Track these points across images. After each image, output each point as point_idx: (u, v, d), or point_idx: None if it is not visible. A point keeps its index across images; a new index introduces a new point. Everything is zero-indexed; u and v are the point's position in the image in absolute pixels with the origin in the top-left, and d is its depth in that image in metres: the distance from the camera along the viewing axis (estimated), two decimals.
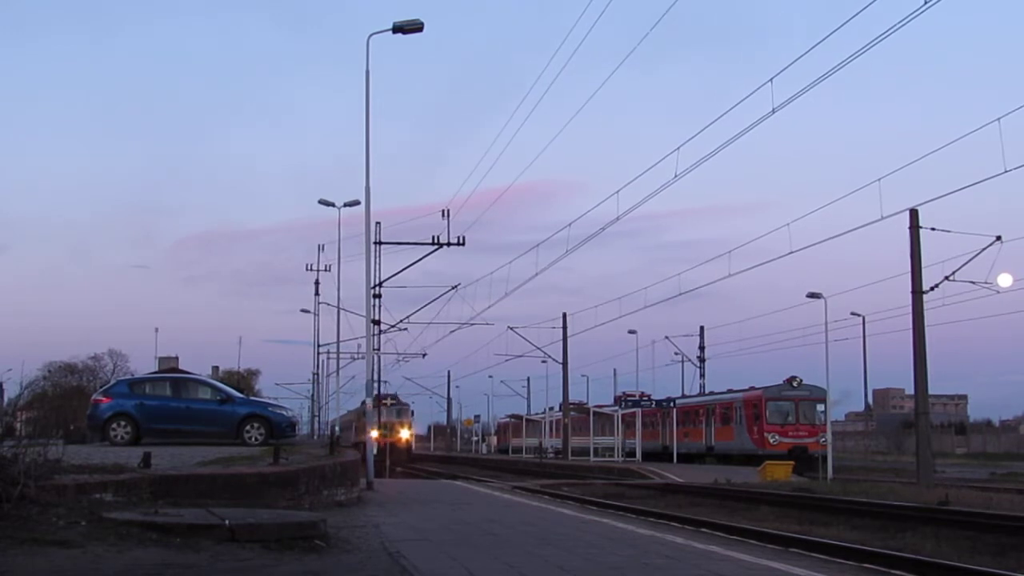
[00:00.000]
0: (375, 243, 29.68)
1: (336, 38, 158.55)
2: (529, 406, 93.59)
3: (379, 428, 51.31)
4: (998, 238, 30.54)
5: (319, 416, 60.25)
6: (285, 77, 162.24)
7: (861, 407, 77.22)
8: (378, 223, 30.67)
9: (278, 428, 22.01)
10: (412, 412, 64.37)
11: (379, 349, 43.90)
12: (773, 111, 16.89)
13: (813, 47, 16.98)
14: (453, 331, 47.49)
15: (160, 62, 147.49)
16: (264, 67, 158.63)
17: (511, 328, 58.78)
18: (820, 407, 42.72)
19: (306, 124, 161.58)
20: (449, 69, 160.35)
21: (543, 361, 64.55)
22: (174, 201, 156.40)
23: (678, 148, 19.83)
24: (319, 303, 51.85)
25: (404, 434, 59.71)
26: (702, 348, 66.15)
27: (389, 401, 59.05)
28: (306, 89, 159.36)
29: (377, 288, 32.51)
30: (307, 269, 52.40)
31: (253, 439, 21.33)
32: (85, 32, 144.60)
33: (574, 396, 62.21)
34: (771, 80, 17.05)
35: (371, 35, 21.59)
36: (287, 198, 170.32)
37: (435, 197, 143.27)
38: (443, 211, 32.61)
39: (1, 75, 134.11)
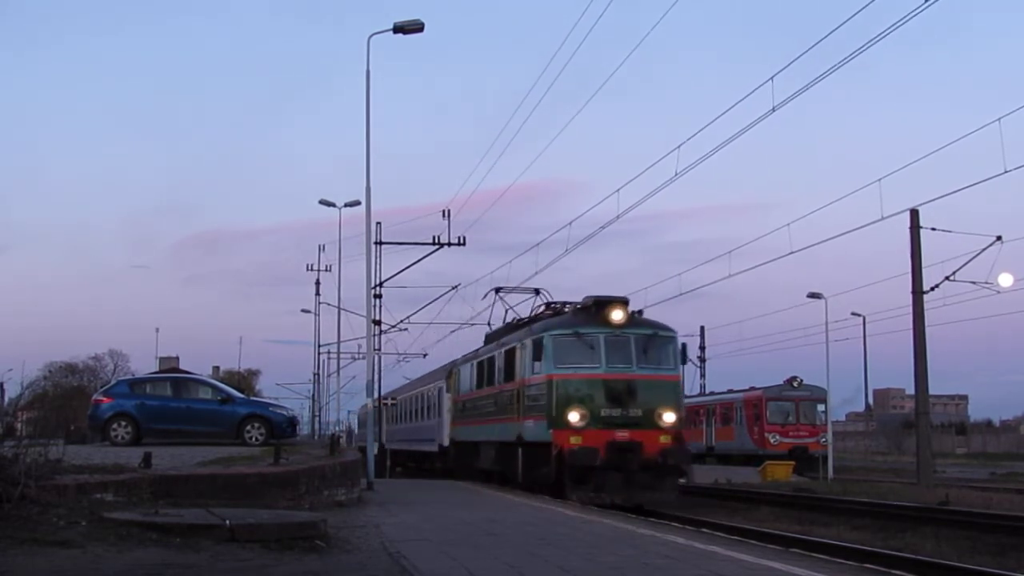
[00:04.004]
0: (376, 243, 29.59)
1: (342, 37, 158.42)
2: None
3: (580, 408, 19.68)
4: (998, 238, 30.53)
5: (320, 416, 60.02)
6: (291, 76, 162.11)
7: (861, 407, 77.21)
8: (379, 223, 30.52)
9: (278, 428, 22.04)
10: (683, 354, 22.34)
11: (380, 349, 43.76)
12: (773, 109, 16.61)
13: (813, 45, 16.93)
14: (454, 331, 46.94)
15: (163, 63, 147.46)
16: (269, 67, 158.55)
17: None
18: (820, 407, 42.73)
19: (313, 124, 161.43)
20: (451, 70, 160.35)
21: None
22: (175, 201, 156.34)
23: (679, 147, 19.46)
24: (320, 303, 51.79)
25: (668, 417, 20.37)
26: (702, 348, 66.08)
27: (621, 314, 20.61)
28: (313, 88, 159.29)
29: (377, 288, 32.40)
30: (308, 269, 52.39)
31: (253, 439, 21.35)
32: (86, 33, 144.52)
33: None
34: (771, 79, 16.76)
35: (371, 35, 21.56)
36: (288, 198, 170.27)
37: (436, 197, 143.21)
38: (444, 211, 32.36)
39: (4, 75, 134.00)
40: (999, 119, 19.31)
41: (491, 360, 24.87)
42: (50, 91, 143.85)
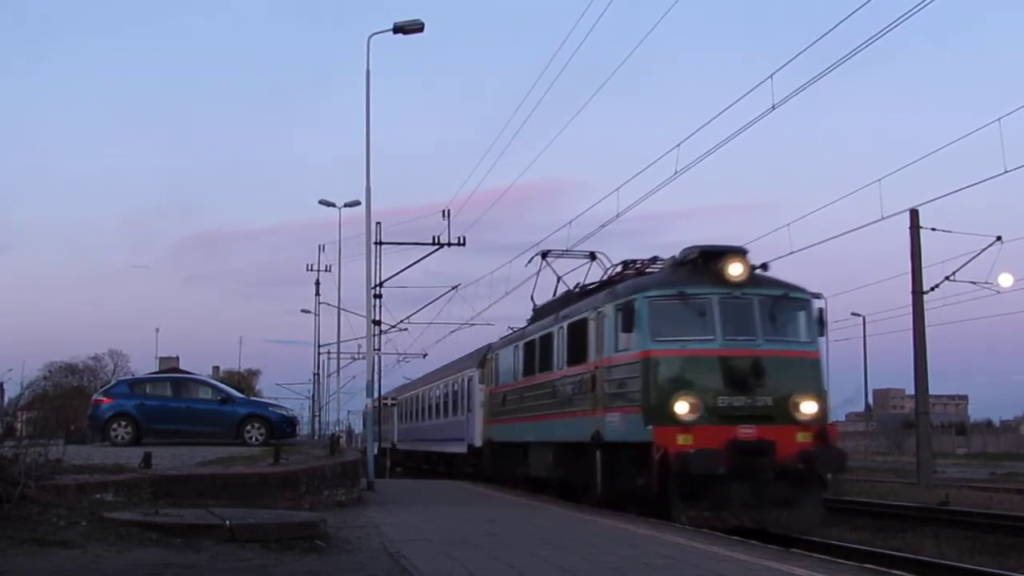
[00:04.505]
0: (376, 243, 29.56)
1: (342, 37, 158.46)
2: None
3: (690, 396, 14.80)
4: (998, 238, 30.53)
5: (320, 416, 60.05)
6: (291, 77, 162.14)
7: (861, 407, 77.20)
8: (378, 223, 30.51)
9: (278, 428, 22.06)
10: (821, 322, 16.23)
11: (380, 349, 43.73)
12: (773, 107, 16.60)
13: (813, 43, 16.92)
14: (454, 331, 46.88)
15: (163, 64, 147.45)
16: (269, 67, 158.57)
17: (511, 328, 58.32)
18: None
19: (313, 124, 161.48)
20: (451, 70, 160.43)
21: None
22: (175, 201, 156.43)
23: (678, 145, 19.42)
24: (320, 303, 51.79)
25: (808, 407, 15.07)
26: None
27: (741, 268, 15.57)
28: (313, 88, 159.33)
29: (378, 288, 32.37)
30: (308, 269, 52.37)
31: (253, 439, 21.37)
32: (87, 33, 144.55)
33: None
34: (771, 77, 16.77)
35: (371, 35, 21.61)
36: (288, 198, 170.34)
37: (436, 197, 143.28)
38: (443, 211, 32.41)
39: (4, 75, 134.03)
40: (999, 119, 19.26)
41: (547, 339, 19.93)
42: (51, 91, 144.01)
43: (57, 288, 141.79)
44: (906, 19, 14.87)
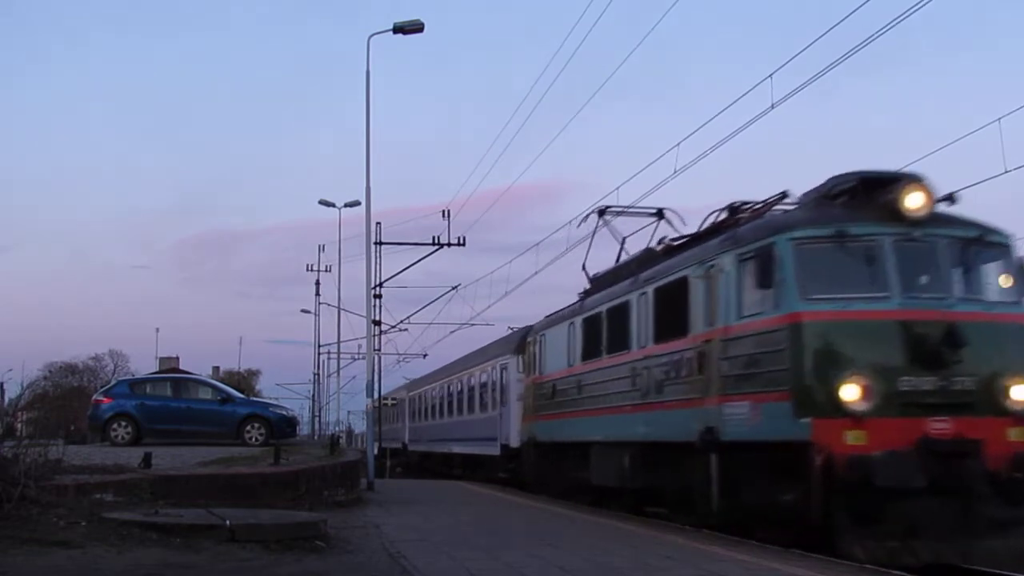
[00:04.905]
0: (375, 243, 29.57)
1: (343, 37, 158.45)
2: None
3: (861, 375, 10.57)
4: None
5: (320, 416, 60.04)
6: (292, 76, 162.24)
7: None
8: (378, 223, 30.51)
9: (278, 428, 22.07)
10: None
11: (380, 349, 43.71)
12: (772, 106, 16.62)
13: (812, 43, 16.94)
14: (454, 331, 46.78)
15: (164, 64, 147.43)
16: (270, 67, 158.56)
17: (511, 328, 58.34)
18: None
19: (314, 124, 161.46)
20: (452, 70, 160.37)
21: None
22: (175, 201, 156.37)
23: (678, 144, 19.47)
24: (320, 303, 51.83)
25: (1023, 393, 10.78)
26: None
27: (921, 199, 11.35)
28: (314, 88, 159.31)
29: (377, 288, 32.38)
30: (308, 269, 52.43)
31: (253, 439, 21.39)
32: (87, 34, 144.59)
33: None
34: (771, 76, 16.80)
35: (371, 36, 21.66)
36: (288, 198, 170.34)
37: (436, 197, 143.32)
38: (443, 211, 32.40)
39: (5, 75, 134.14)
40: (999, 119, 19.22)
41: (620, 310, 15.82)
42: (51, 91, 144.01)
43: (57, 288, 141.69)
44: (906, 17, 14.85)
